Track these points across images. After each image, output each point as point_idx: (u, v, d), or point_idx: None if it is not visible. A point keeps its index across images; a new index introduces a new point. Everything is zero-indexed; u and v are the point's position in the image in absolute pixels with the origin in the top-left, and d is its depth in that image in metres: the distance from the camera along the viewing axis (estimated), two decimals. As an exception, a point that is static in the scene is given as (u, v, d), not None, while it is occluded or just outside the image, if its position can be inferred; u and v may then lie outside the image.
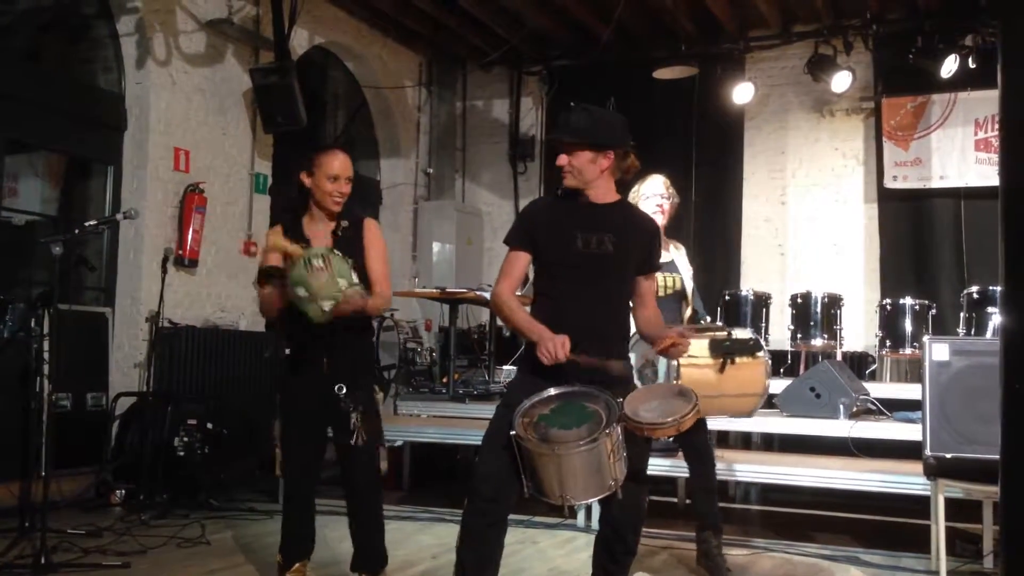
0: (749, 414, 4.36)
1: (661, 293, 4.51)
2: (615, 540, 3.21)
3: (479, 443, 3.21)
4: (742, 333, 4.28)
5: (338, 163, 3.64)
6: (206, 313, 6.97)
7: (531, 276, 3.36)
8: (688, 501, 6.31)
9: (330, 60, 9.03)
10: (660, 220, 4.54)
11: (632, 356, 4.15)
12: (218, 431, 6.01)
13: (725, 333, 4.22)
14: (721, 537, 4.47)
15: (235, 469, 6.18)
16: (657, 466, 5.36)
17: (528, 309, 3.24)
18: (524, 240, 3.24)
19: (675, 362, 4.05)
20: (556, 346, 2.98)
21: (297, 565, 3.74)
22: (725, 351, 4.12)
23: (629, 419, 2.95)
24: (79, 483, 5.78)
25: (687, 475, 4.63)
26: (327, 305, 3.38)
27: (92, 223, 4.89)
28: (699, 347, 4.06)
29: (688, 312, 4.69)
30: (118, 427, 6.09)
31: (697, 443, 4.42)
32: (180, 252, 6.74)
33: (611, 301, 3.24)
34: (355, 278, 3.45)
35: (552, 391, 3.01)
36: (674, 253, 4.69)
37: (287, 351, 3.71)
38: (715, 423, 5.22)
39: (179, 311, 6.67)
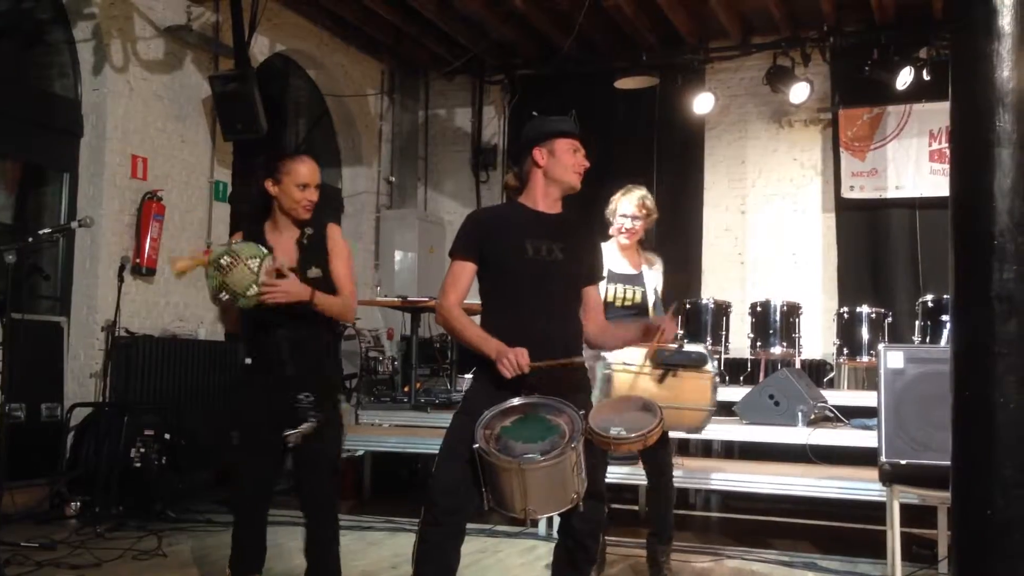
0: (696, 429, 4.30)
1: (619, 305, 4.53)
2: (576, 549, 3.20)
3: (440, 452, 3.19)
4: (694, 348, 4.29)
5: (307, 170, 3.59)
6: (164, 322, 6.89)
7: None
8: (628, 507, 6.37)
9: (291, 68, 8.99)
10: (623, 241, 4.59)
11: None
12: (176, 442, 5.93)
13: (674, 345, 4.23)
14: (670, 547, 4.50)
15: (193, 480, 6.11)
16: (618, 474, 5.39)
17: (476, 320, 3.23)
18: (471, 250, 3.20)
19: (605, 372, 4.07)
20: (516, 358, 2.97)
21: (248, 577, 3.68)
22: (665, 361, 4.10)
23: (595, 433, 2.95)
24: (33, 495, 5.68)
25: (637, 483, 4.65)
26: (251, 291, 3.34)
27: (47, 231, 4.81)
28: (639, 355, 4.07)
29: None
30: (73, 438, 5.99)
31: (659, 456, 4.45)
32: (137, 260, 6.66)
33: (563, 308, 3.23)
34: (265, 251, 3.41)
35: (514, 402, 2.98)
36: (644, 269, 4.68)
37: (247, 359, 3.64)
38: (676, 432, 5.23)
39: (136, 320, 6.59)
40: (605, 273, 4.49)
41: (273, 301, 3.39)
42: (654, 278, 4.69)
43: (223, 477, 6.03)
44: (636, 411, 3.14)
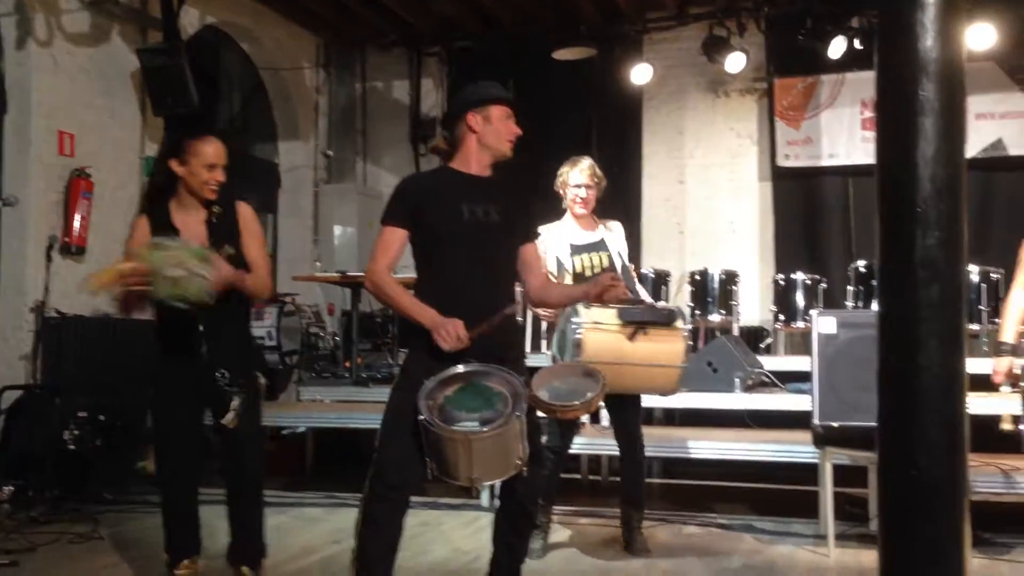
0: (672, 389, 4.30)
1: (589, 274, 4.57)
2: (518, 514, 3.23)
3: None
4: (675, 308, 4.29)
5: (214, 150, 3.53)
6: (96, 302, 6.70)
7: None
8: (591, 477, 6.45)
9: (223, 40, 8.78)
10: (579, 211, 4.64)
11: (557, 334, 4.22)
12: (111, 423, 5.83)
13: (645, 303, 4.27)
14: (643, 513, 4.62)
15: (130, 461, 6.01)
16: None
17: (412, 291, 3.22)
18: (404, 217, 3.17)
19: (576, 335, 4.08)
20: (454, 331, 2.96)
21: (186, 562, 3.64)
22: (634, 319, 4.11)
23: (539, 401, 2.97)
24: (-37, 482, 5.55)
25: (596, 452, 4.70)
26: (207, 297, 3.30)
27: (-31, 210, 4.67)
28: (608, 315, 4.08)
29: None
30: (4, 422, 5.84)
31: (630, 425, 4.52)
32: (66, 239, 6.49)
33: (501, 272, 3.23)
34: (203, 250, 3.37)
35: (456, 370, 2.98)
36: (603, 232, 4.71)
37: (160, 342, 3.58)
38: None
39: (67, 301, 6.42)
40: (567, 247, 4.57)
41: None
42: (617, 241, 4.72)
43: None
44: (579, 377, 3.18)
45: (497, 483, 3.13)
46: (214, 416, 3.56)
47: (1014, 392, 3.54)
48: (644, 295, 4.79)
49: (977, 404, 4.36)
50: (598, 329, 4.06)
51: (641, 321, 4.12)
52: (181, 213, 3.57)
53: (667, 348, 4.14)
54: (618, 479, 4.95)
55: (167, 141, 3.69)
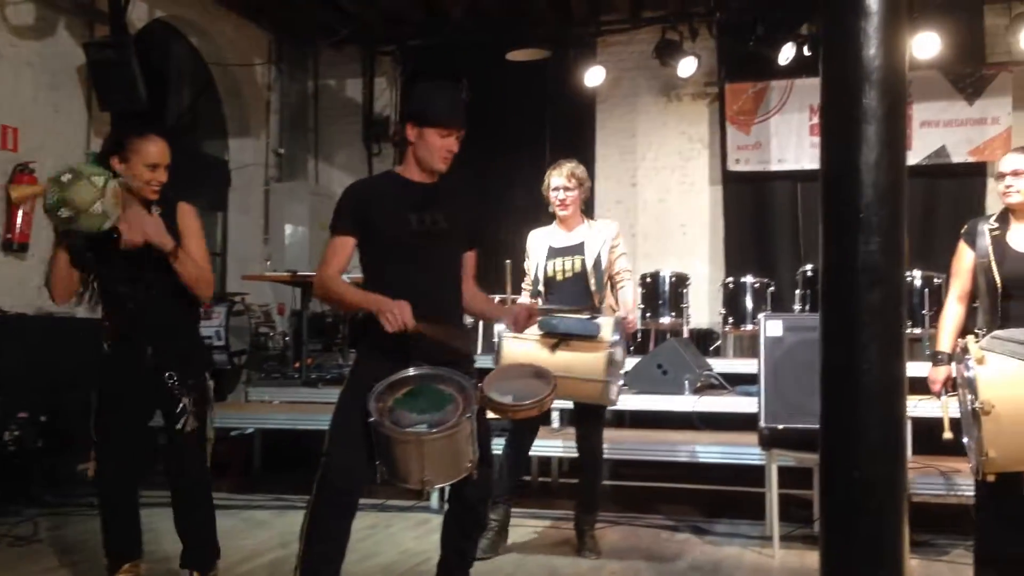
0: (601, 399, 4.27)
1: (560, 278, 4.59)
2: (466, 515, 3.22)
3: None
4: (603, 320, 4.27)
5: (156, 150, 3.47)
6: (38, 300, 6.58)
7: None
8: (541, 479, 6.46)
9: (172, 35, 8.65)
10: (560, 212, 4.69)
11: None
12: (52, 424, 5.71)
13: (571, 315, 4.26)
14: (595, 518, 4.67)
15: (73, 463, 5.88)
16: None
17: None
18: (351, 225, 3.17)
19: (494, 342, 4.15)
20: (400, 311, 2.92)
21: (127, 566, 3.57)
22: (553, 331, 4.14)
23: (491, 401, 2.97)
24: (-103, 484, 5.40)
25: (546, 454, 4.72)
26: (95, 208, 3.20)
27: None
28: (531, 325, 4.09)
29: (593, 286, 4.62)
30: (-59, 422, 5.71)
31: (591, 436, 4.54)
32: (8, 236, 6.35)
33: (449, 279, 3.24)
34: (110, 173, 3.32)
35: (407, 373, 2.97)
36: (585, 234, 4.70)
37: (106, 342, 3.52)
38: (565, 403, 5.29)
39: (8, 298, 6.28)
40: (545, 251, 4.58)
41: (130, 240, 3.29)
42: (599, 242, 4.69)
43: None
44: (529, 378, 3.19)
45: (447, 485, 3.13)
46: (165, 419, 3.50)
47: (950, 396, 3.61)
48: (627, 299, 4.75)
49: (919, 408, 4.44)
50: (517, 338, 4.10)
51: (561, 334, 4.15)
52: (122, 212, 3.50)
53: (586, 360, 4.14)
54: (569, 480, 4.98)
55: (109, 137, 3.61)
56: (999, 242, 3.72)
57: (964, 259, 3.84)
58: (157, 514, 3.97)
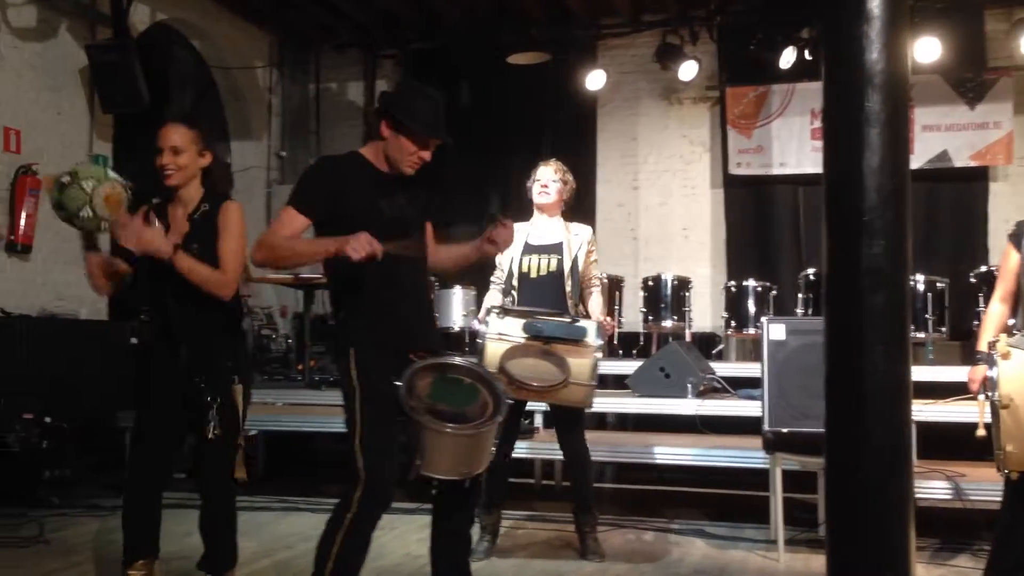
0: (583, 403, 4.18)
1: (535, 275, 4.56)
2: (462, 509, 3.20)
3: (336, 431, 3.12)
4: (587, 324, 4.22)
5: (165, 132, 3.47)
6: (42, 301, 6.60)
7: None
8: (545, 482, 6.46)
9: (174, 37, 8.67)
10: (547, 199, 4.61)
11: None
12: (57, 425, 5.71)
13: (559, 318, 4.20)
14: (594, 518, 4.63)
15: (77, 464, 5.90)
16: (518, 449, 5.44)
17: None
18: (312, 207, 3.06)
19: (479, 342, 4.07)
20: (364, 240, 2.86)
21: (140, 563, 3.58)
22: (540, 334, 4.04)
23: (523, 385, 2.99)
24: (-99, 485, 5.40)
25: (550, 457, 4.71)
26: (84, 212, 3.27)
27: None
28: (515, 326, 4.04)
29: (569, 288, 4.56)
30: (-54, 424, 5.71)
31: (574, 439, 4.54)
32: (12, 237, 6.37)
33: (418, 262, 3.21)
34: (112, 175, 3.36)
35: (423, 363, 2.96)
36: (563, 235, 4.64)
37: (142, 342, 3.56)
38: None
39: (12, 300, 6.30)
40: (520, 246, 4.56)
41: (125, 244, 3.30)
42: (576, 244, 4.65)
43: (111, 460, 5.86)
44: (539, 358, 3.21)
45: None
46: (191, 423, 3.52)
47: (984, 399, 3.60)
48: (596, 306, 4.70)
49: (925, 412, 4.44)
50: (502, 339, 4.01)
51: (547, 337, 4.04)
52: (173, 207, 3.54)
53: (574, 364, 4.03)
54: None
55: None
56: None
57: (1009, 260, 3.82)
58: (180, 515, 3.98)
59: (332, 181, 3.12)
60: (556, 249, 4.60)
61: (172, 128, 3.50)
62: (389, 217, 3.09)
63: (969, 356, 5.54)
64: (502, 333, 4.02)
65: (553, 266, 4.57)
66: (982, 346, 3.78)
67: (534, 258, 4.58)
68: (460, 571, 3.27)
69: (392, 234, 3.00)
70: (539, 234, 4.64)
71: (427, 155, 3.15)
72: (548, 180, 4.62)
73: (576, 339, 4.07)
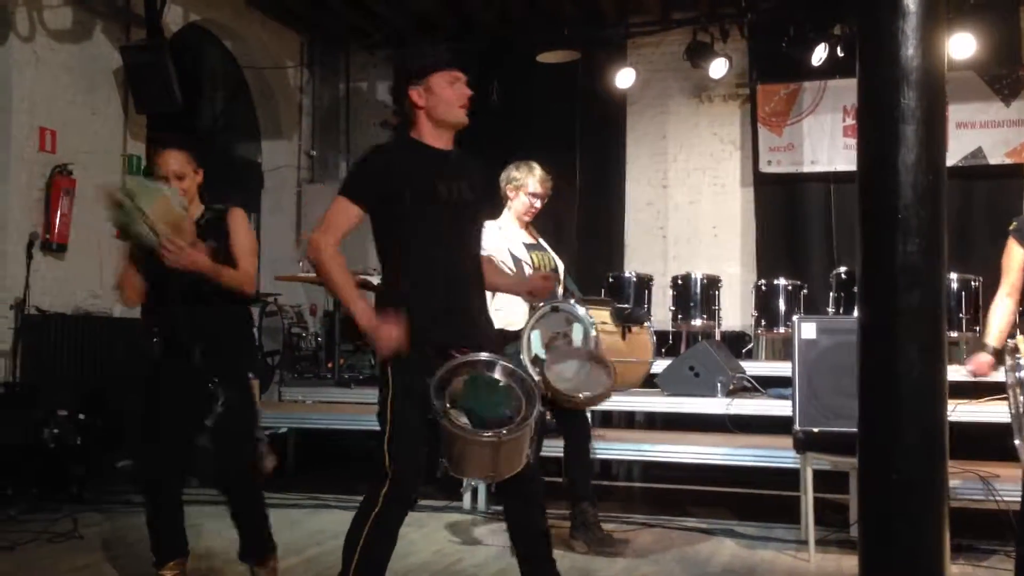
0: (637, 384, 4.65)
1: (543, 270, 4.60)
2: (530, 508, 3.16)
3: (365, 429, 3.12)
4: (630, 306, 4.56)
5: (163, 162, 3.57)
6: (77, 300, 6.69)
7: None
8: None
9: (207, 38, 8.75)
10: (527, 219, 4.75)
11: (536, 333, 4.23)
12: (91, 421, 5.79)
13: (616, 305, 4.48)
14: (597, 508, 4.63)
15: (111, 460, 5.97)
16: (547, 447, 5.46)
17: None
18: (367, 196, 2.97)
19: (594, 332, 4.18)
20: (389, 334, 2.84)
21: (172, 563, 3.62)
22: (624, 319, 4.40)
23: (563, 395, 2.97)
24: (-60, 480, 5.49)
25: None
26: (140, 228, 3.30)
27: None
28: (603, 315, 4.36)
29: (561, 291, 4.70)
30: (-18, 420, 5.80)
31: (577, 419, 4.55)
32: (47, 236, 6.45)
33: (472, 250, 3.12)
34: (165, 189, 3.40)
35: (455, 362, 2.87)
36: (539, 240, 4.82)
37: (154, 339, 3.58)
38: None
39: (47, 298, 6.38)
40: (519, 243, 4.61)
41: (173, 263, 3.34)
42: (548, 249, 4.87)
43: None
44: (585, 361, 3.22)
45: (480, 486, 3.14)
46: (207, 421, 3.56)
47: (1001, 399, 3.56)
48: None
49: (959, 411, 4.40)
50: (604, 331, 4.30)
51: (629, 320, 4.47)
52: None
53: (642, 344, 4.53)
54: (606, 482, 5.04)
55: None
56: None
57: (1013, 256, 3.79)
58: (204, 512, 4.00)
59: (384, 165, 3.02)
60: (543, 248, 4.78)
61: (170, 155, 3.58)
62: (445, 199, 2.98)
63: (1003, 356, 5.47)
64: (603, 322, 4.35)
65: (548, 263, 4.72)
66: (988, 339, 3.75)
67: (536, 255, 4.69)
68: (544, 565, 3.19)
69: (446, 218, 2.97)
70: (525, 236, 4.76)
71: (467, 90, 3.04)
72: (540, 200, 4.73)
73: (643, 322, 4.60)
